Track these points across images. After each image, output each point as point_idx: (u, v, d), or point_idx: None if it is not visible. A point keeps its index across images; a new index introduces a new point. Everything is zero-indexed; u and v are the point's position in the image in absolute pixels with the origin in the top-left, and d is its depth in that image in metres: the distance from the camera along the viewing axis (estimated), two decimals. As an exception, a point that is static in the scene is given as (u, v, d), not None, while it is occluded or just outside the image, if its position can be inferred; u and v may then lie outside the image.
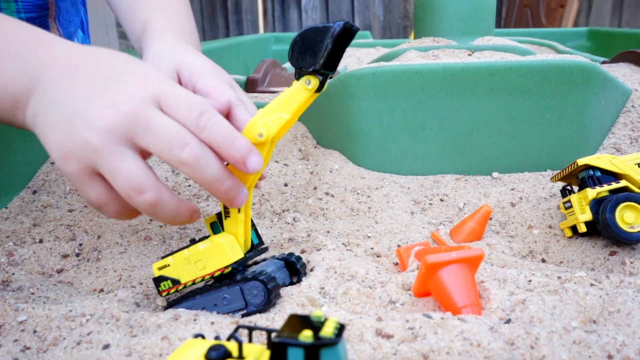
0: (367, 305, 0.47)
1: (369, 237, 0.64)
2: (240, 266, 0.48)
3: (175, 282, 0.48)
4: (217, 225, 0.48)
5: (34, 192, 0.70)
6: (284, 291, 0.48)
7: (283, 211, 0.70)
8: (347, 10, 3.76)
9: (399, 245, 0.61)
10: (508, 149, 0.78)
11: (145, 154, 0.42)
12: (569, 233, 0.61)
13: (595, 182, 0.59)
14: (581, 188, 0.61)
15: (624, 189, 0.58)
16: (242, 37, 1.71)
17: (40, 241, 0.60)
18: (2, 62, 0.43)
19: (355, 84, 0.77)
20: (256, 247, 0.51)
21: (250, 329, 0.31)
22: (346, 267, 0.53)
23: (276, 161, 0.80)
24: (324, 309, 0.45)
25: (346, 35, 0.42)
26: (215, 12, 3.84)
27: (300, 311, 0.45)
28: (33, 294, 0.50)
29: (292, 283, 0.51)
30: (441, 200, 0.72)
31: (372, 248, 0.60)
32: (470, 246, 0.57)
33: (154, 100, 0.41)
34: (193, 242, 0.48)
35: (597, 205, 0.58)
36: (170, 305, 0.49)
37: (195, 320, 0.44)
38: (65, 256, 0.58)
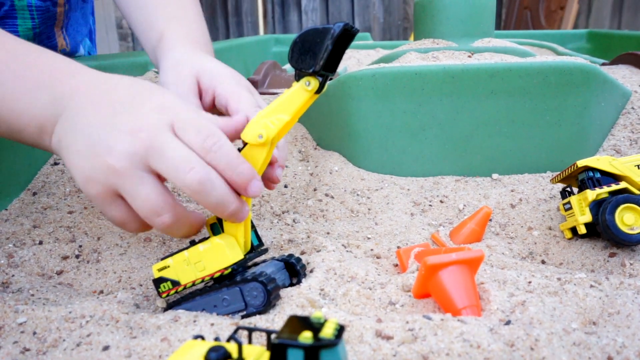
0: (366, 307, 0.47)
1: (368, 238, 0.64)
2: (240, 267, 0.48)
3: (175, 283, 0.48)
4: (217, 227, 0.48)
5: (34, 194, 0.70)
6: (283, 292, 0.48)
7: (283, 212, 0.70)
8: (347, 12, 3.76)
9: (398, 247, 0.61)
10: (508, 150, 0.78)
11: (163, 178, 0.44)
12: (568, 234, 0.61)
13: (595, 183, 0.59)
14: (581, 190, 0.61)
15: (624, 190, 0.58)
16: (242, 39, 1.71)
17: (40, 243, 0.60)
18: (34, 91, 0.46)
19: (355, 85, 0.77)
20: (256, 248, 0.51)
21: (250, 330, 0.31)
22: (346, 268, 0.53)
23: (276, 163, 0.80)
24: (323, 310, 0.45)
25: (346, 37, 0.42)
26: (215, 14, 3.85)
27: (300, 312, 0.45)
28: (33, 295, 0.50)
29: (291, 284, 0.51)
30: (441, 201, 0.72)
31: (372, 249, 0.60)
32: (470, 247, 0.57)
33: (169, 126, 0.43)
34: (193, 243, 0.48)
35: (596, 206, 0.58)
36: (170, 306, 0.49)
37: (195, 321, 0.44)
38: (65, 258, 0.58)
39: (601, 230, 0.56)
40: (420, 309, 0.47)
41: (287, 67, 1.26)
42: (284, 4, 3.80)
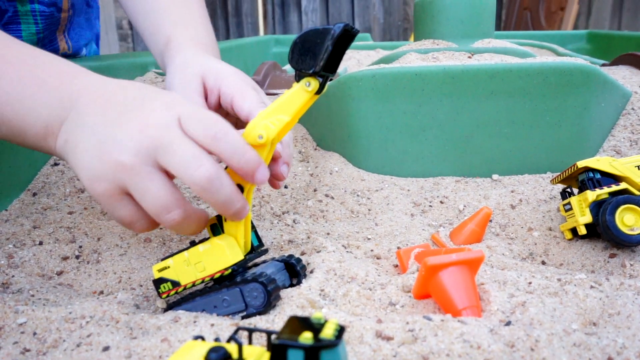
0: (367, 307, 0.47)
1: (368, 239, 0.64)
2: (240, 268, 0.48)
3: (175, 284, 0.48)
4: (217, 227, 0.48)
5: (34, 195, 0.70)
6: (283, 293, 0.48)
7: (283, 213, 0.70)
8: (347, 12, 3.77)
9: (398, 247, 0.61)
10: (508, 151, 0.78)
11: (171, 175, 0.44)
12: (569, 235, 0.61)
13: (595, 184, 0.59)
14: (581, 190, 0.61)
15: (624, 191, 0.58)
16: (243, 40, 1.71)
17: (40, 243, 0.60)
18: (39, 92, 0.46)
19: (355, 86, 0.77)
20: (256, 249, 0.51)
21: (250, 331, 0.31)
22: (346, 269, 0.53)
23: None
24: (323, 311, 0.45)
25: (346, 38, 0.42)
26: (215, 15, 3.85)
27: (300, 313, 0.45)
28: (33, 296, 0.50)
29: (292, 285, 0.51)
30: (441, 202, 0.72)
31: (372, 250, 0.60)
32: (470, 248, 0.56)
33: (177, 122, 0.43)
34: (193, 244, 0.48)
35: (597, 207, 0.58)
36: (170, 307, 0.49)
37: (195, 322, 0.44)
38: (65, 258, 0.58)
39: (601, 231, 0.56)
40: (420, 310, 0.47)
41: (287, 67, 1.26)
42: (284, 4, 3.80)
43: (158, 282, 0.48)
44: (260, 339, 0.41)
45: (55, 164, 0.75)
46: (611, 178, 0.60)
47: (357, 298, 0.48)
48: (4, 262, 0.56)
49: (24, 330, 0.44)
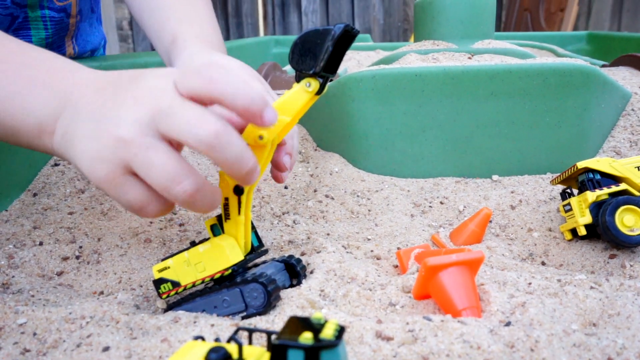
0: (367, 308, 0.47)
1: (368, 239, 0.64)
2: (240, 268, 0.48)
3: (175, 284, 0.48)
4: (217, 228, 0.48)
5: (34, 195, 0.70)
6: (283, 293, 0.48)
7: (283, 214, 0.70)
8: (347, 13, 3.77)
9: (398, 248, 0.61)
10: (508, 151, 0.78)
11: (176, 147, 0.41)
12: (568, 236, 0.61)
13: (595, 185, 0.59)
14: (581, 191, 0.61)
15: (624, 192, 0.58)
16: (243, 40, 1.71)
17: (41, 244, 0.60)
18: (31, 88, 0.44)
19: (356, 86, 0.77)
20: (256, 249, 0.51)
21: (250, 331, 0.31)
22: (346, 269, 0.53)
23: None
24: (323, 311, 0.45)
25: (346, 38, 0.42)
26: (215, 15, 3.85)
27: (300, 313, 0.45)
28: (33, 296, 0.50)
29: (292, 285, 0.51)
30: (441, 202, 0.72)
31: (372, 250, 0.60)
32: (470, 249, 0.56)
33: (172, 87, 0.40)
34: (193, 244, 0.48)
35: (596, 208, 0.58)
36: (170, 307, 0.49)
37: (195, 322, 0.44)
38: (65, 259, 0.58)
39: (601, 232, 0.56)
40: (420, 310, 0.47)
41: (288, 68, 1.26)
42: (284, 5, 3.80)
43: (158, 283, 0.48)
44: (260, 339, 0.41)
45: (56, 164, 0.75)
46: (611, 179, 0.60)
47: (357, 298, 0.48)
48: (4, 262, 0.56)
49: (24, 330, 0.44)
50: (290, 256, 0.52)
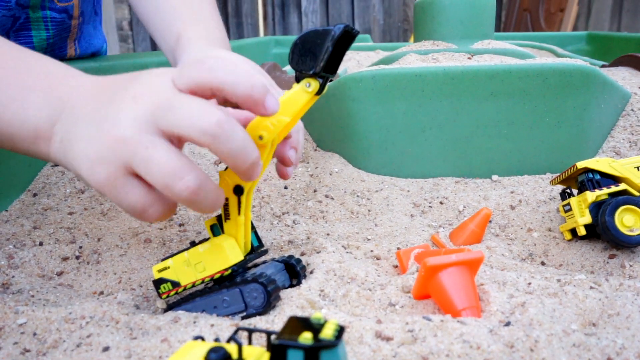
0: (366, 308, 0.47)
1: (368, 239, 0.64)
2: (240, 268, 0.48)
3: (175, 284, 0.48)
4: (217, 228, 0.48)
5: (34, 195, 0.70)
6: (283, 293, 0.48)
7: (283, 214, 0.70)
8: (347, 13, 3.77)
9: (398, 248, 0.61)
10: (508, 152, 0.78)
11: (177, 144, 0.41)
12: (568, 236, 0.61)
13: (595, 185, 0.59)
14: (580, 191, 0.61)
15: (623, 192, 0.58)
16: (243, 40, 1.72)
17: (41, 244, 0.60)
18: (26, 94, 0.43)
19: (355, 86, 0.77)
20: (256, 249, 0.51)
21: (250, 331, 0.31)
22: (346, 269, 0.53)
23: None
24: (323, 311, 0.45)
25: (346, 39, 0.42)
26: (216, 16, 3.84)
27: (300, 313, 0.45)
28: (33, 296, 0.50)
29: (291, 285, 0.51)
30: (441, 203, 0.72)
31: (371, 251, 0.60)
32: (469, 249, 0.57)
33: (170, 84, 0.40)
34: (193, 244, 0.48)
35: (596, 208, 0.58)
36: (170, 307, 0.49)
37: (195, 322, 0.44)
38: (65, 259, 0.59)
39: (601, 232, 0.56)
40: (420, 310, 0.47)
41: (288, 68, 1.26)
42: (284, 5, 3.80)
43: (158, 283, 0.48)
44: (260, 339, 0.41)
45: (56, 164, 0.75)
46: (610, 179, 0.60)
47: (356, 298, 0.48)
48: (4, 262, 0.56)
49: (24, 330, 0.44)
50: (290, 256, 0.52)
